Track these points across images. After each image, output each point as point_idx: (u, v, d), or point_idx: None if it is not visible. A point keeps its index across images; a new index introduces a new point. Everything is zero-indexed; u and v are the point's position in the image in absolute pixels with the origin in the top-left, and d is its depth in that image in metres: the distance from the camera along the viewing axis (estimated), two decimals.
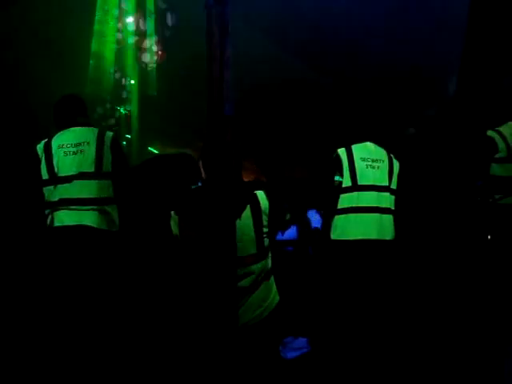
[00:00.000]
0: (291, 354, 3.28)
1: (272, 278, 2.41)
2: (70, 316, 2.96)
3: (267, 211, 2.32)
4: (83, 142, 3.13)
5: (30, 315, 3.26)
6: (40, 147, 3.18)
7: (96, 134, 3.16)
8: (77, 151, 3.11)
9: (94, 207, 3.06)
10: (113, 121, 10.88)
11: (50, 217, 3.09)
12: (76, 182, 3.07)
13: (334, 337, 3.26)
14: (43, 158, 3.15)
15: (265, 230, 2.32)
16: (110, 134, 3.21)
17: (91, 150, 3.11)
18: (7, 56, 6.98)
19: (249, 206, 2.29)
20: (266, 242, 2.32)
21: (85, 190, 3.07)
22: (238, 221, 2.21)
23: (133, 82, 9.75)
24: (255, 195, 2.33)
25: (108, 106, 10.92)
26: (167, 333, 3.05)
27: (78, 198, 3.06)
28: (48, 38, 7.43)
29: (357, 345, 3.14)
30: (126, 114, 10.01)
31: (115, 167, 3.14)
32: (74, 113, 3.29)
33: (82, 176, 3.07)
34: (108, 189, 3.11)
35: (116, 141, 3.21)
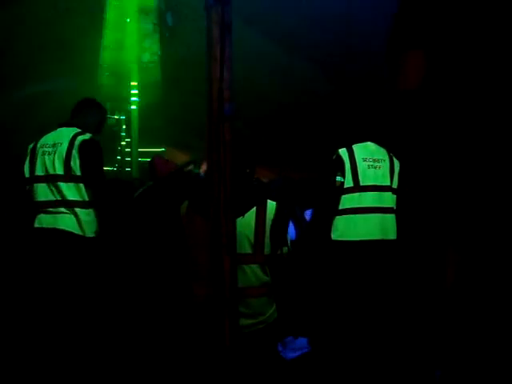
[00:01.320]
0: (291, 354, 3.28)
1: (272, 297, 2.39)
2: (38, 318, 2.97)
3: (270, 224, 2.32)
4: (58, 143, 3.11)
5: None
6: (30, 147, 3.20)
7: (71, 136, 3.11)
8: (51, 152, 3.10)
9: (66, 210, 3.04)
10: (113, 120, 10.89)
11: (33, 217, 3.10)
12: (49, 184, 3.07)
13: (334, 337, 3.26)
14: (28, 156, 3.18)
15: (266, 238, 2.31)
16: (83, 136, 3.13)
17: (61, 152, 3.07)
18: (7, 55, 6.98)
19: (255, 208, 2.30)
20: (267, 249, 2.31)
21: (55, 192, 3.06)
22: (240, 218, 2.22)
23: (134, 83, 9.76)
24: (265, 202, 2.33)
25: (108, 105, 10.92)
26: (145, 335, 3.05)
27: (50, 201, 3.06)
28: (52, 37, 7.43)
29: (357, 345, 3.14)
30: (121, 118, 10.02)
31: (84, 171, 3.07)
32: (72, 112, 3.31)
33: (52, 178, 3.06)
34: (79, 192, 3.07)
35: (87, 144, 3.11)
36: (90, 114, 3.33)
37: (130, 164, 9.77)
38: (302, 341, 3.37)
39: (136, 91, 9.72)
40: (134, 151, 9.37)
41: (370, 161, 3.38)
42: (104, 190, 3.17)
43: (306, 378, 3.05)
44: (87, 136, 3.15)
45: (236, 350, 1.76)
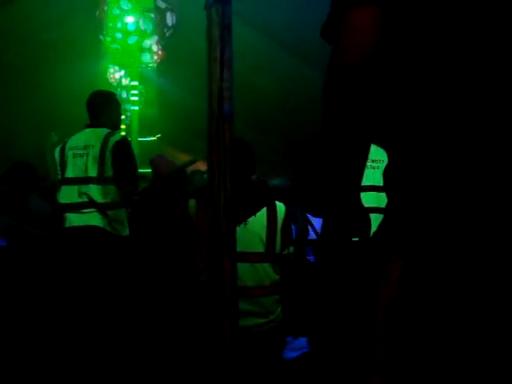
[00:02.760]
0: (291, 354, 3.28)
1: (280, 296, 2.41)
2: (73, 315, 2.99)
3: (281, 223, 2.35)
4: (90, 145, 3.13)
5: (35, 314, 3.29)
6: (57, 150, 3.25)
7: (102, 137, 3.13)
8: (83, 154, 3.13)
9: (98, 211, 3.06)
10: None
11: (63, 217, 3.13)
12: (80, 186, 3.09)
13: (334, 337, 3.26)
14: (58, 159, 3.22)
15: (278, 237, 2.34)
16: (115, 137, 3.15)
17: (95, 154, 3.10)
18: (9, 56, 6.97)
19: (266, 207, 2.33)
20: (278, 247, 2.34)
21: (86, 194, 3.08)
22: (252, 217, 2.25)
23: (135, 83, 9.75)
24: (274, 202, 2.37)
25: None
26: (168, 332, 3.06)
27: (80, 202, 3.08)
28: (51, 38, 7.43)
29: (356, 344, 3.13)
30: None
31: (117, 172, 3.10)
32: (92, 112, 3.31)
33: (84, 180, 3.09)
34: (110, 194, 3.09)
35: (120, 144, 3.12)
36: (113, 109, 3.34)
37: None
38: (302, 341, 3.38)
39: (136, 91, 9.73)
40: (134, 151, 9.37)
41: (368, 161, 3.38)
42: (137, 191, 3.21)
43: (306, 377, 3.05)
44: (119, 136, 3.19)
45: (236, 349, 1.76)
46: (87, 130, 3.24)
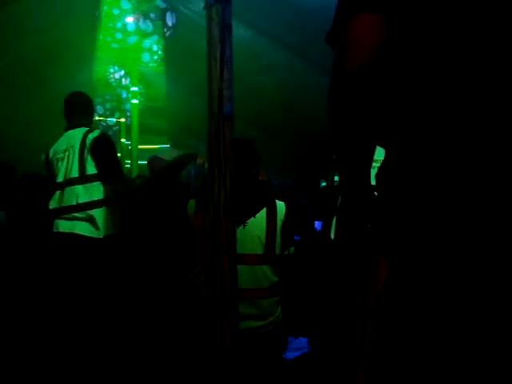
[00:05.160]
0: (291, 354, 3.28)
1: (280, 297, 2.39)
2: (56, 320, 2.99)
3: (281, 224, 2.32)
4: (70, 147, 3.13)
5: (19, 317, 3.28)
6: (43, 157, 3.27)
7: (81, 136, 3.12)
8: (64, 157, 3.13)
9: (81, 215, 3.05)
10: (113, 120, 10.88)
11: (51, 223, 3.13)
12: (66, 189, 3.09)
13: (334, 337, 3.26)
14: (46, 168, 3.24)
15: (277, 238, 2.31)
16: (92, 135, 3.13)
17: (74, 154, 3.09)
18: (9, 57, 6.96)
19: (265, 208, 2.30)
20: (277, 250, 2.32)
21: (71, 196, 3.07)
22: (251, 219, 2.23)
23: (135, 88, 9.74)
24: (274, 202, 2.34)
25: (108, 105, 10.90)
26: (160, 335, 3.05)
27: (68, 206, 3.08)
28: (50, 37, 7.41)
29: (356, 345, 3.13)
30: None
31: (99, 168, 3.08)
32: (72, 114, 3.29)
33: (69, 182, 3.08)
34: (94, 192, 3.07)
35: (97, 141, 3.10)
36: (92, 109, 3.38)
37: (130, 164, 9.79)
38: (302, 341, 3.37)
39: (136, 89, 9.71)
40: (134, 151, 9.36)
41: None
42: (123, 184, 3.19)
43: (306, 377, 3.05)
44: (97, 132, 3.17)
45: (236, 351, 1.75)
46: (67, 132, 3.24)
